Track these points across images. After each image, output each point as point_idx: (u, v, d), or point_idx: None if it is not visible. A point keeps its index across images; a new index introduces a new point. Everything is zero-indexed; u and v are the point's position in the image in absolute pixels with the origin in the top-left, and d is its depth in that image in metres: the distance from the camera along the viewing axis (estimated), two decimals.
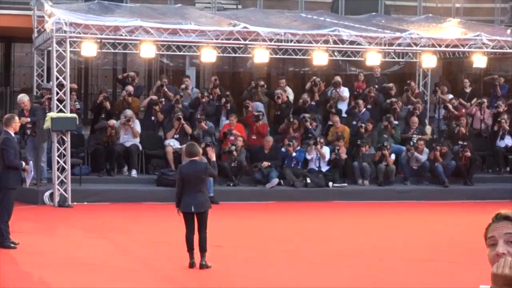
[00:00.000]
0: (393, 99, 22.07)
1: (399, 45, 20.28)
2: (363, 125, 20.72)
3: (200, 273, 11.62)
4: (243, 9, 25.61)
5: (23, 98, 18.17)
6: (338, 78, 22.58)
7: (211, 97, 21.61)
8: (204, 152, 18.57)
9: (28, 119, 17.72)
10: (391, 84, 23.00)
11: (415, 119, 21.50)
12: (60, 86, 17.95)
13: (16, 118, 13.49)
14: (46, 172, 18.47)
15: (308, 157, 20.18)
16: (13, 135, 13.02)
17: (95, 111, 21.28)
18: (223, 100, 21.40)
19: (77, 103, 20.11)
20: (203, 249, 11.77)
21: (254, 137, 20.73)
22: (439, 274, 12.14)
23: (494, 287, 3.07)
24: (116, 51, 21.21)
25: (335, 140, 20.42)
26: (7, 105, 25.26)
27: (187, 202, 11.63)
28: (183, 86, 22.00)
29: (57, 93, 17.83)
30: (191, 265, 11.72)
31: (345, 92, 22.53)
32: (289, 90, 22.79)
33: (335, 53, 21.39)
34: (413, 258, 13.19)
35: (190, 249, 11.73)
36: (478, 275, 11.85)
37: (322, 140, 20.12)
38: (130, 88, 20.97)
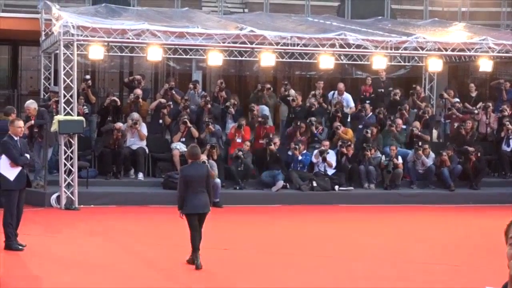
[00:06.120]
0: (399, 107, 22.06)
1: (405, 49, 20.31)
2: (368, 130, 20.76)
3: (206, 275, 11.66)
4: (250, 13, 25.69)
5: (30, 105, 18.19)
6: (341, 86, 22.71)
7: (211, 102, 21.60)
8: (209, 153, 18.78)
9: (32, 122, 17.75)
10: (397, 90, 23.05)
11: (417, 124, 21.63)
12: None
13: (17, 122, 13.24)
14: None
15: (314, 160, 20.22)
16: (15, 138, 12.95)
17: (102, 114, 21.38)
18: (228, 103, 21.48)
19: (85, 107, 20.15)
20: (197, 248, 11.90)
21: (261, 141, 20.70)
22: (444, 277, 12.16)
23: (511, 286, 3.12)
24: (123, 54, 21.26)
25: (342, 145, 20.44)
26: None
27: (193, 204, 11.72)
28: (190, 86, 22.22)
29: (64, 96, 17.89)
30: (197, 265, 11.74)
31: (350, 102, 22.61)
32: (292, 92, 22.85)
33: (341, 57, 21.41)
34: (419, 261, 13.21)
35: (197, 249, 11.78)
36: (483, 278, 11.88)
37: (329, 151, 20.12)
38: (138, 91, 21.05)
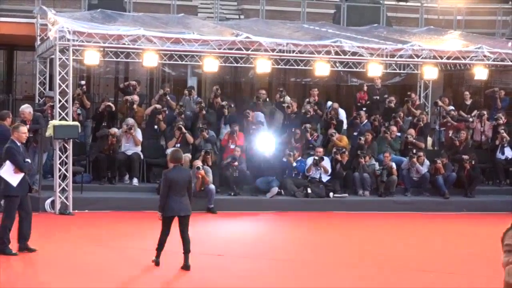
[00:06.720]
0: (394, 115, 22.12)
1: (401, 56, 20.31)
2: (362, 138, 20.79)
3: (200, 281, 11.66)
4: (246, 19, 25.73)
5: (25, 109, 18.18)
6: (335, 105, 22.76)
7: (206, 108, 21.62)
8: (204, 159, 18.81)
9: (27, 126, 17.70)
10: (392, 97, 23.10)
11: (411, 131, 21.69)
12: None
13: (21, 128, 13.19)
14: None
15: (307, 173, 20.21)
16: (18, 144, 12.93)
17: (97, 119, 21.38)
18: (224, 103, 21.53)
19: (80, 112, 20.13)
20: (188, 251, 12.04)
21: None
22: (439, 285, 12.16)
23: None
24: (119, 59, 21.24)
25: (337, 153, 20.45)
26: None
27: (174, 207, 11.87)
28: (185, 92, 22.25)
29: (60, 101, 17.88)
30: (157, 263, 12.14)
31: (343, 119, 22.69)
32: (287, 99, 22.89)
33: (337, 64, 21.43)
34: (413, 269, 13.21)
35: (161, 249, 12.13)
36: (477, 285, 11.89)
37: (323, 157, 20.12)
38: (135, 97, 21.10)
